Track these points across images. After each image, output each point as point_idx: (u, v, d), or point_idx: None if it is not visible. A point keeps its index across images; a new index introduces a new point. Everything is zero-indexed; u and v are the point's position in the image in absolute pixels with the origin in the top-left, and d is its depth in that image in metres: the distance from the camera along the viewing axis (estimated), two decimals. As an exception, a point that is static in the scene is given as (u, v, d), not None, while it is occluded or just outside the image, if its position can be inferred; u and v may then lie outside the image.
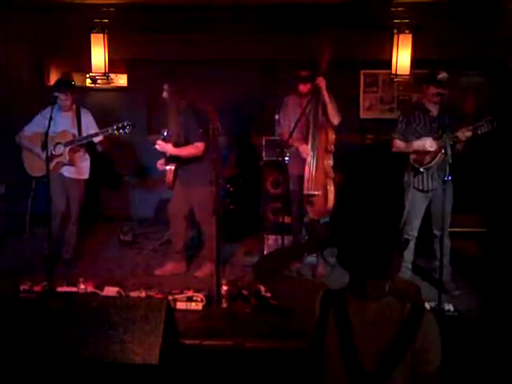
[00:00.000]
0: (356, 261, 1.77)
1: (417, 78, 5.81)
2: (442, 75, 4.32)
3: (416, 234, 4.52)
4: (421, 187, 4.46)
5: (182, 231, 5.01)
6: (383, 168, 4.70)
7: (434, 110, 4.43)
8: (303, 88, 4.78)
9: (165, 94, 4.72)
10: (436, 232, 4.48)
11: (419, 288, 4.04)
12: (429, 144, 4.32)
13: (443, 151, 4.20)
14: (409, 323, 1.68)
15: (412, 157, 4.45)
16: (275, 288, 2.04)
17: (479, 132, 4.19)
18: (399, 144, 4.50)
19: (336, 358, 1.74)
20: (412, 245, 4.50)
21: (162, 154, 4.83)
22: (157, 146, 4.75)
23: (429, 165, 4.38)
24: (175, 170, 4.82)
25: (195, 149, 4.72)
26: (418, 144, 4.38)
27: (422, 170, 4.41)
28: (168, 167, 4.83)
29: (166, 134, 4.79)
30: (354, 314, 1.75)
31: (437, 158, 4.34)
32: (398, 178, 4.65)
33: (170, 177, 4.84)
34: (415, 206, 4.49)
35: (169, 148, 4.72)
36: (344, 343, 1.73)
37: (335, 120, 4.67)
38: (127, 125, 4.77)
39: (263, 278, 2.07)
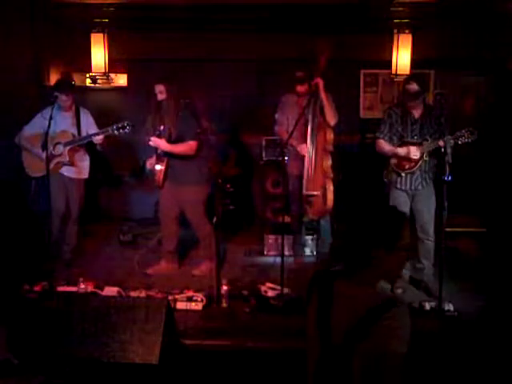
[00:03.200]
0: (366, 230, 1.87)
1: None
2: (410, 87, 4.27)
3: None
4: (401, 187, 4.46)
5: (173, 231, 4.99)
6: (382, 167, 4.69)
7: (415, 113, 4.40)
8: (300, 88, 4.84)
9: (160, 96, 4.68)
10: (419, 234, 4.44)
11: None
12: (413, 152, 4.32)
13: (425, 157, 4.30)
14: (378, 308, 1.78)
15: (393, 161, 4.45)
16: None
17: (459, 142, 4.19)
18: (383, 145, 4.47)
19: (313, 331, 1.89)
20: None
21: (154, 151, 4.80)
22: (150, 143, 4.73)
23: (411, 170, 4.39)
24: (165, 169, 4.81)
25: (188, 147, 4.71)
26: (401, 150, 4.37)
27: (403, 174, 4.43)
28: (158, 167, 4.81)
29: (161, 130, 4.76)
30: (337, 294, 1.87)
31: (418, 165, 4.37)
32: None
33: (159, 176, 4.82)
34: (398, 205, 4.47)
35: (162, 143, 4.70)
36: (320, 318, 1.87)
37: (332, 120, 4.69)
38: (127, 125, 4.74)
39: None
